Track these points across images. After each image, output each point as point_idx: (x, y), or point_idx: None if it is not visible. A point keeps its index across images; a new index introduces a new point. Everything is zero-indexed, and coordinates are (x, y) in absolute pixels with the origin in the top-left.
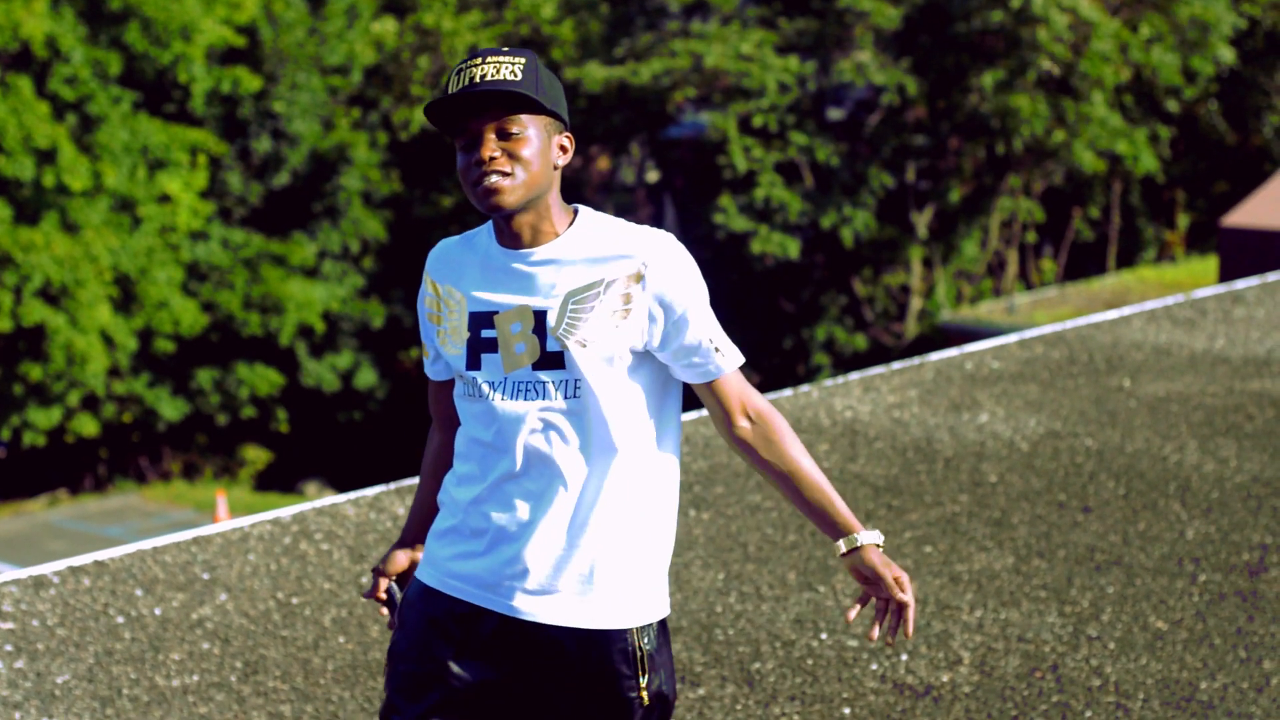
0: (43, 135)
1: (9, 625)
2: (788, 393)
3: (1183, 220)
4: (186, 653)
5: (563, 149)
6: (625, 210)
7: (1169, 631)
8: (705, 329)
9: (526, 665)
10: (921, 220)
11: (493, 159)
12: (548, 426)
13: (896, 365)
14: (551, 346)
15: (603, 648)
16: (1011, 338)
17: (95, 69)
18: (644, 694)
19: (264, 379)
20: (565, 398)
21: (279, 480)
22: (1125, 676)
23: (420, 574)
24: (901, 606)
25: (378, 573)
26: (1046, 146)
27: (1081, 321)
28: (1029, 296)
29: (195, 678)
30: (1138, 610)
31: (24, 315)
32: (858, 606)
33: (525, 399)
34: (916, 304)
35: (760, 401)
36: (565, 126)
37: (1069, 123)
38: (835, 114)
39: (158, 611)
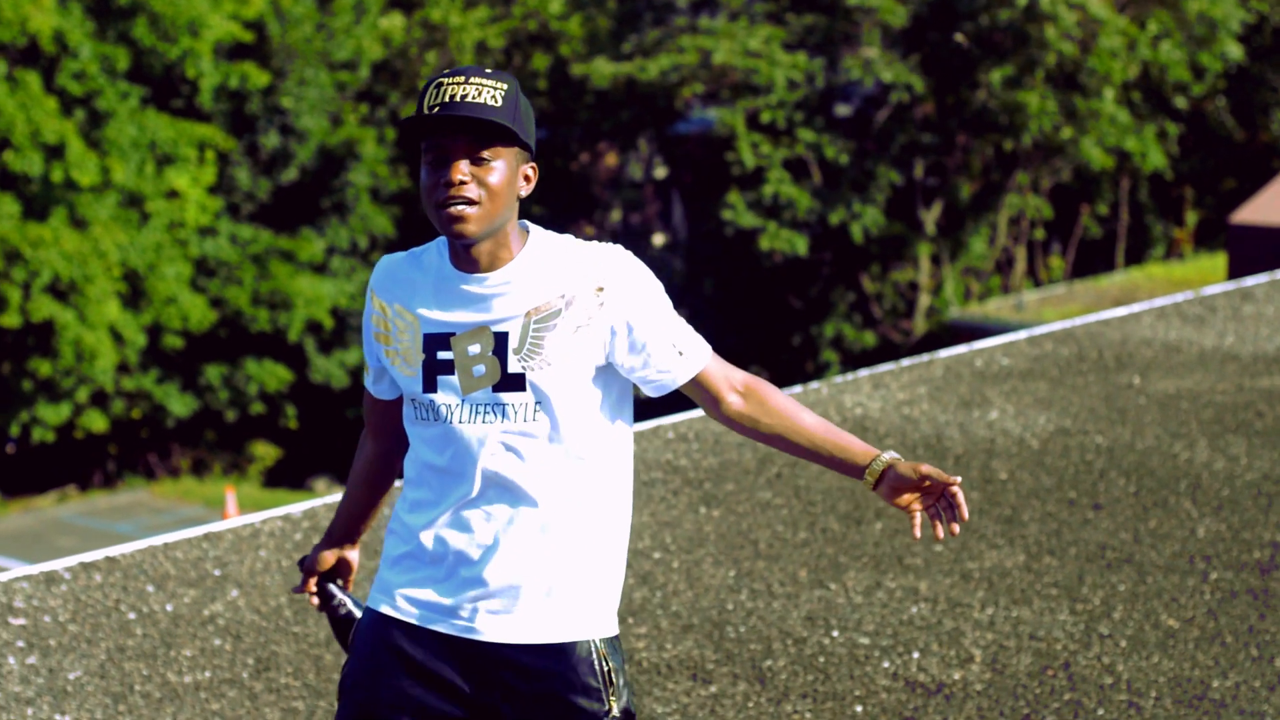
0: (51, 130)
1: (21, 621)
2: (797, 389)
3: (1191, 217)
4: (198, 649)
5: (527, 179)
6: (633, 206)
7: (1181, 629)
8: (669, 336)
9: (491, 689)
10: (930, 217)
11: (462, 183)
12: (508, 448)
13: (906, 362)
14: (513, 368)
15: (567, 662)
16: (1021, 335)
17: (103, 64)
18: (613, 709)
19: (273, 375)
20: (526, 419)
21: (288, 476)
22: (1137, 674)
23: (373, 602)
24: (951, 492)
25: (305, 570)
26: (1055, 143)
27: (1091, 318)
28: (1037, 293)
29: (207, 674)
30: (1149, 608)
31: (33, 311)
32: (916, 521)
33: (484, 421)
34: (925, 301)
35: (743, 374)
36: (532, 156)
37: (1078, 119)
38: (843, 110)
39: (169, 608)
